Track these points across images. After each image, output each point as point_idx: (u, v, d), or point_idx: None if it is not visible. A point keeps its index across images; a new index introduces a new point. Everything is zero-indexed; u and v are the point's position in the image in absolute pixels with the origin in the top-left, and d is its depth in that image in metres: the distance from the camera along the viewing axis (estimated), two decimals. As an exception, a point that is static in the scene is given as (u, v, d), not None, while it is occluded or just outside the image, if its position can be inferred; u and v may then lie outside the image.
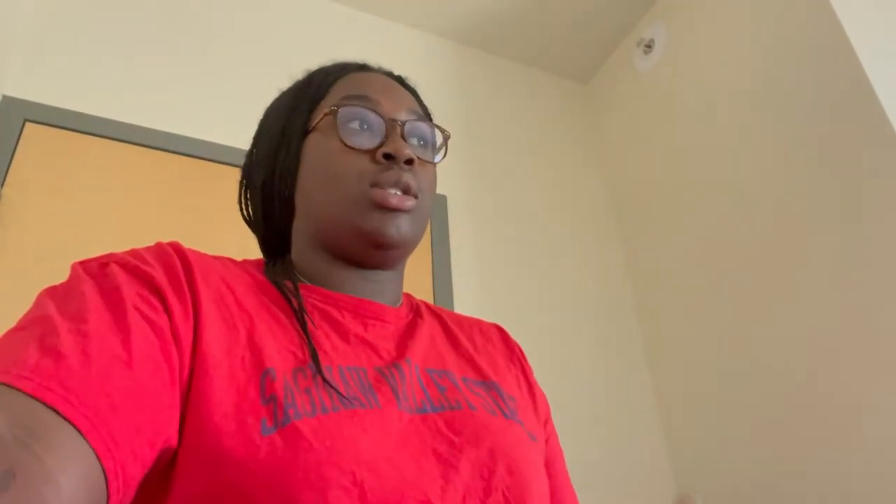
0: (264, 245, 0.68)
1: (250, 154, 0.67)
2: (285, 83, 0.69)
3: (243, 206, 0.67)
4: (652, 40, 2.24)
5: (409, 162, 0.59)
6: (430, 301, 1.76)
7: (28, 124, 1.54)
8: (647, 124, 2.23)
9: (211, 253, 0.60)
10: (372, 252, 0.59)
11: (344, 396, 0.48)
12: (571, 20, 2.32)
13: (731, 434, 1.73)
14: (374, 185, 0.57)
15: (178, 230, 1.55)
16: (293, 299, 0.55)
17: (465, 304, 1.79)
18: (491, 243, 2.01)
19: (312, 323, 0.54)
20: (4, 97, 1.53)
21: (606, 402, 1.90)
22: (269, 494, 0.41)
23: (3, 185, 1.43)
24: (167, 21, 1.86)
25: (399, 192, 0.58)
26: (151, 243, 0.53)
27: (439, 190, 1.95)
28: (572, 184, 2.33)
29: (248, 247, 0.69)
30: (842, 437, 1.45)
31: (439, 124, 0.68)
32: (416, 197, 0.59)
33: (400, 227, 0.58)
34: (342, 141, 0.59)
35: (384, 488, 0.43)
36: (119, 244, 0.55)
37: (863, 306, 1.44)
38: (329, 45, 2.07)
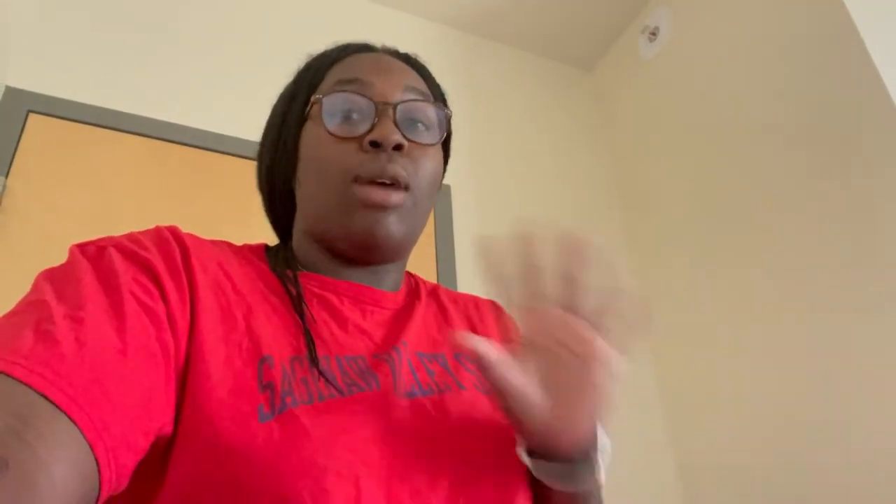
0: (275, 230, 0.68)
1: (261, 143, 0.66)
2: (287, 72, 0.68)
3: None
4: (657, 27, 2.23)
5: (399, 147, 0.55)
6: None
7: (32, 115, 1.54)
8: (651, 112, 2.22)
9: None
10: (364, 253, 0.58)
11: (340, 384, 0.48)
12: (575, 8, 2.31)
13: (735, 434, 1.73)
14: (358, 179, 0.55)
15: (182, 220, 1.55)
16: (291, 287, 0.54)
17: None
18: (495, 232, 2.00)
19: (310, 312, 0.53)
20: (8, 88, 1.53)
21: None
22: (265, 481, 0.41)
23: (7, 176, 1.44)
24: (171, 11, 1.85)
25: (387, 182, 0.55)
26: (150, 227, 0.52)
27: (443, 179, 1.94)
28: (577, 172, 2.32)
29: (250, 237, 0.69)
30: (853, 435, 1.44)
31: (443, 105, 0.65)
32: (405, 188, 0.56)
33: (389, 226, 0.55)
34: (327, 130, 0.56)
35: (378, 477, 0.44)
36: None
37: (869, 300, 1.44)
38: (332, 34, 2.05)
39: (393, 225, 0.55)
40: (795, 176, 1.65)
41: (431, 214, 1.88)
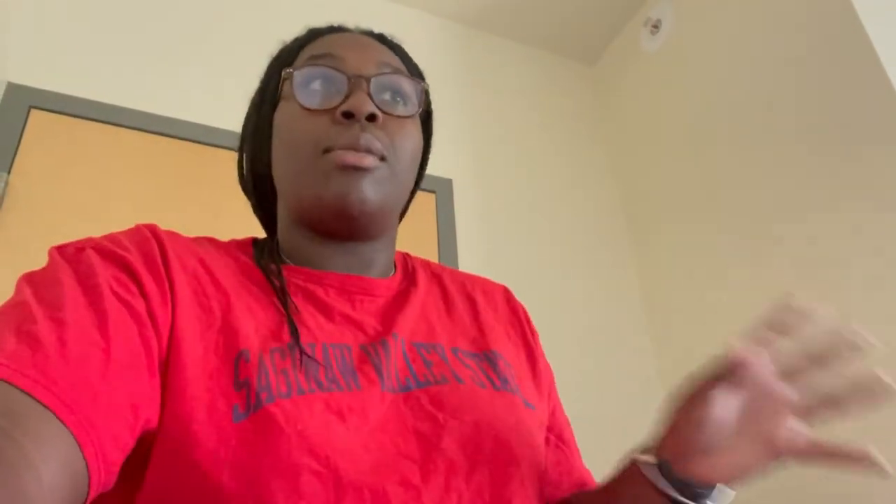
0: (265, 230, 0.67)
1: (240, 138, 0.65)
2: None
3: (242, 188, 0.66)
4: (659, 20, 2.22)
5: (372, 118, 0.54)
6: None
7: (33, 111, 1.54)
8: (654, 105, 2.21)
9: (214, 237, 0.59)
10: (340, 223, 0.55)
11: (322, 377, 0.47)
12: (577, 1, 2.30)
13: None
14: (329, 150, 0.53)
15: (185, 216, 1.56)
16: (274, 279, 0.53)
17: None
18: (497, 226, 2.01)
19: (294, 304, 0.52)
20: (9, 84, 1.53)
21: (609, 387, 1.91)
22: (237, 482, 0.40)
23: (9, 172, 1.44)
24: (174, 5, 1.85)
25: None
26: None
27: (445, 174, 1.95)
28: (579, 166, 2.32)
29: (252, 231, 0.69)
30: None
31: (434, 97, 0.64)
32: (381, 158, 0.54)
33: (363, 189, 0.53)
34: (300, 104, 0.55)
35: (360, 473, 0.43)
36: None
37: (879, 305, 1.44)
38: (333, 29, 2.06)
39: (368, 189, 0.53)
40: (799, 170, 1.65)
41: (433, 209, 1.89)
